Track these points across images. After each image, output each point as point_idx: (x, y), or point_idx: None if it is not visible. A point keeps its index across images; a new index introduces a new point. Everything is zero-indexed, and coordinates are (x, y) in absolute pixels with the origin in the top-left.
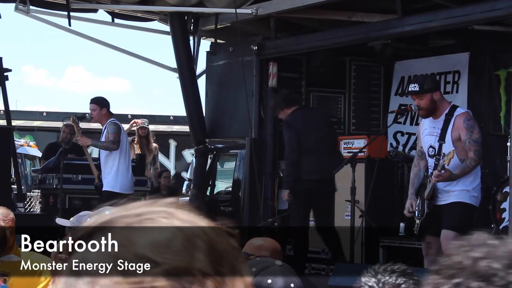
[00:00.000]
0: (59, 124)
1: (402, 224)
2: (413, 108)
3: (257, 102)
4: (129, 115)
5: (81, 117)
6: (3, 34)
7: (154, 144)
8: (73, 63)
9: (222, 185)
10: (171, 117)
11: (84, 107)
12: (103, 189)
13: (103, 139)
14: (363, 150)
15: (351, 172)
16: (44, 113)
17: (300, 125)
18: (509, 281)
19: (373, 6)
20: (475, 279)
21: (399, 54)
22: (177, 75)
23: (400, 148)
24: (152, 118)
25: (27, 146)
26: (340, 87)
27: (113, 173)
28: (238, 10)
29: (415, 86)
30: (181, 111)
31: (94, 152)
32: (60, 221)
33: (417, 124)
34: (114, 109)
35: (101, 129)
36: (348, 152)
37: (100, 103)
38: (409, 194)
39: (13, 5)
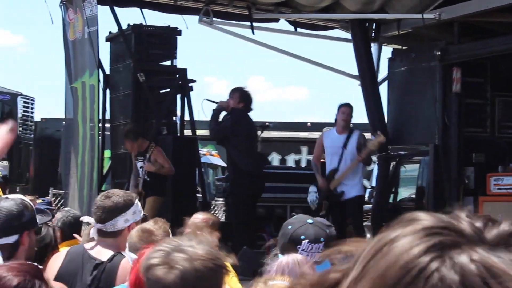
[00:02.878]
0: None
1: None
2: None
3: (440, 108)
4: (308, 123)
5: (263, 126)
6: (188, 45)
7: None
8: (254, 73)
9: (405, 192)
10: (351, 124)
11: (266, 117)
12: None
13: None
14: None
15: None
16: None
17: (250, 127)
18: None
19: None
20: None
21: None
22: (358, 82)
23: None
24: (332, 125)
25: (210, 155)
26: None
27: None
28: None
29: None
30: (361, 118)
31: None
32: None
33: None
34: (293, 117)
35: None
36: None
37: None
38: None
39: (196, 17)
